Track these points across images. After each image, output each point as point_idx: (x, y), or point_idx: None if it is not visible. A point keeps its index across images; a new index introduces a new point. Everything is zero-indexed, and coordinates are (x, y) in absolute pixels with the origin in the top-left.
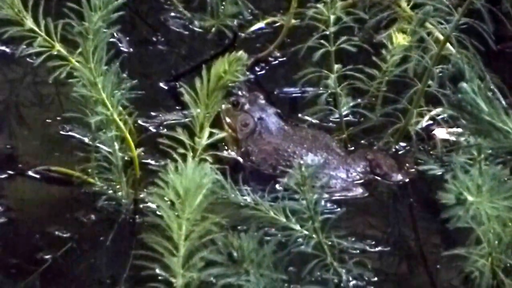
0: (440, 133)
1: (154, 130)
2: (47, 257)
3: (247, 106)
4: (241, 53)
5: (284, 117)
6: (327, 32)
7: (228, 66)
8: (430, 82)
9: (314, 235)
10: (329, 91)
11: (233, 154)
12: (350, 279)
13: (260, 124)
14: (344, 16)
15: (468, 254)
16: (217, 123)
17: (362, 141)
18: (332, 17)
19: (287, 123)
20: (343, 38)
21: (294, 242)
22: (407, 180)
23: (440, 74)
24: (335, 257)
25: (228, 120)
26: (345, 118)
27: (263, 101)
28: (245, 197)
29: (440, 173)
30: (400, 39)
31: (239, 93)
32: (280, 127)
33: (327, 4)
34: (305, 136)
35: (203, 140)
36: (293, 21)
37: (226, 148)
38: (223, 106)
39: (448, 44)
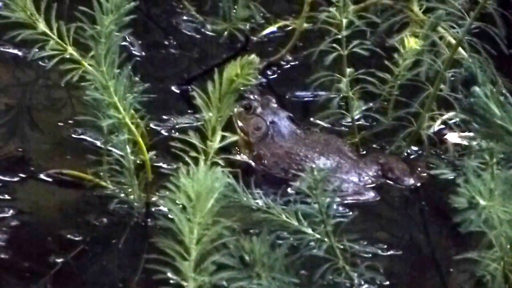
0: (452, 137)
1: (166, 134)
2: (59, 260)
3: (259, 110)
4: (253, 56)
5: (296, 120)
6: (339, 36)
7: (240, 70)
8: (442, 86)
9: (326, 239)
10: (341, 95)
11: (245, 157)
12: (362, 283)
13: (272, 128)
14: (356, 20)
15: (480, 258)
16: (229, 126)
17: (374, 145)
18: (345, 21)
19: (299, 126)
20: (355, 42)
21: (306, 245)
22: (419, 184)
23: (453, 78)
24: (347, 261)
25: (240, 123)
26: (357, 122)
27: (275, 105)
28: (257, 201)
29: (452, 177)
30: (412, 43)
31: (251, 96)
32: (292, 131)
33: (339, 8)
34: (317, 140)
35: (215, 143)
36: (305, 25)
37: (238, 151)
38: (235, 110)
39: (460, 48)
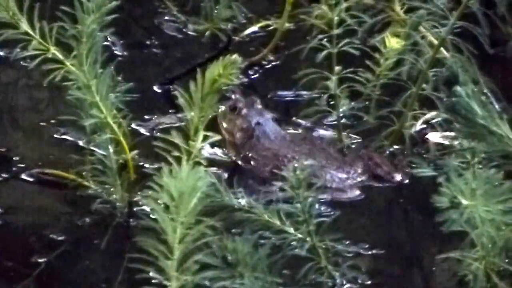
0: (434, 136)
1: (148, 133)
2: (41, 260)
3: (244, 111)
4: (235, 56)
5: (279, 121)
6: (327, 35)
7: (223, 70)
8: (424, 85)
9: (308, 238)
10: (329, 93)
11: (232, 157)
12: (344, 282)
13: (257, 129)
14: (348, 18)
15: (462, 257)
16: (214, 126)
17: (357, 143)
18: (336, 19)
19: (282, 127)
20: (344, 41)
21: (289, 245)
22: (406, 180)
23: (434, 78)
24: (329, 260)
25: (225, 124)
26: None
27: (260, 106)
28: (239, 200)
29: (433, 176)
30: (393, 43)
31: (236, 96)
32: (278, 132)
33: (331, 6)
34: (303, 141)
35: (198, 143)
36: (286, 24)
37: (226, 151)
38: (220, 110)
39: (442, 48)
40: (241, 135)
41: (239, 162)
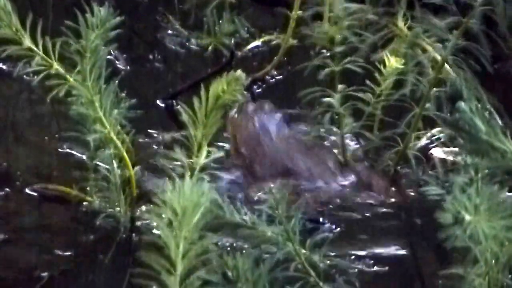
0: (438, 153)
1: (151, 149)
2: (44, 274)
3: (250, 110)
4: (239, 72)
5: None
6: (328, 53)
7: (227, 86)
8: (427, 105)
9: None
10: (332, 111)
11: (234, 170)
12: None
13: (262, 134)
14: (351, 35)
15: (465, 274)
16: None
17: (362, 162)
18: (338, 37)
19: (293, 129)
20: (347, 59)
21: (287, 261)
22: (404, 203)
23: (437, 95)
24: (321, 277)
25: (231, 129)
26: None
27: (270, 106)
28: (242, 217)
29: (440, 193)
30: (393, 62)
31: (246, 100)
32: (283, 136)
33: (332, 24)
34: (305, 148)
35: (201, 159)
36: (290, 40)
37: (230, 159)
38: (230, 114)
39: (445, 65)
40: (246, 144)
41: (242, 170)
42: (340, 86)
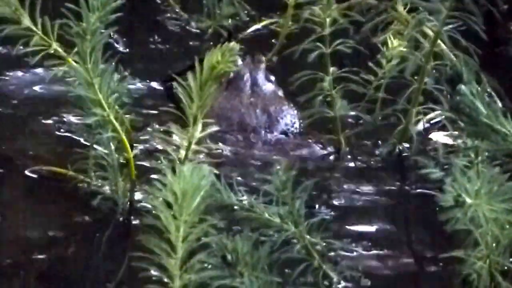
0: (438, 136)
1: (150, 130)
2: (41, 257)
3: (239, 63)
4: (233, 43)
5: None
6: (324, 34)
7: (221, 57)
8: (426, 79)
9: (300, 238)
10: (324, 93)
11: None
12: (342, 282)
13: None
14: (340, 18)
15: (466, 256)
16: None
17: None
18: (328, 19)
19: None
20: (338, 41)
21: (288, 244)
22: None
23: (436, 74)
24: (324, 260)
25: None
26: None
27: (263, 65)
28: (239, 199)
29: (440, 176)
30: (396, 44)
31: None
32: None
33: (323, 6)
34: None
35: (197, 132)
36: (290, 23)
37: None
38: None
39: (441, 42)
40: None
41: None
42: (332, 69)
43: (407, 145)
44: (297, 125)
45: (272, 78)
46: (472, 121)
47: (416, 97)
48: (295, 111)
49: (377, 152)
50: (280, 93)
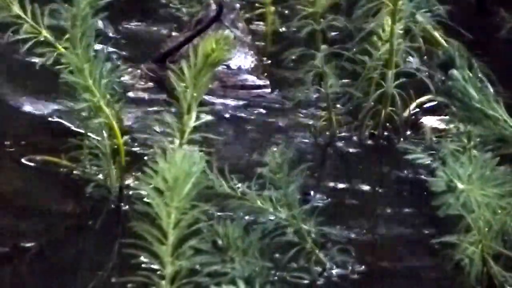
0: (429, 120)
1: (141, 115)
2: (32, 244)
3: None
4: (228, 31)
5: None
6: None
7: (216, 44)
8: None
9: (294, 222)
10: (315, 71)
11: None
12: (334, 267)
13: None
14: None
15: (458, 242)
16: None
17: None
18: None
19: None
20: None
21: (279, 229)
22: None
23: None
24: (317, 245)
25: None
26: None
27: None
28: (231, 187)
29: (428, 162)
30: (392, 28)
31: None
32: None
33: None
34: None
35: (191, 121)
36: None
37: None
38: None
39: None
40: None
41: None
42: (323, 46)
43: (396, 130)
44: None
45: (241, 25)
46: (464, 106)
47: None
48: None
49: (366, 134)
50: (247, 40)
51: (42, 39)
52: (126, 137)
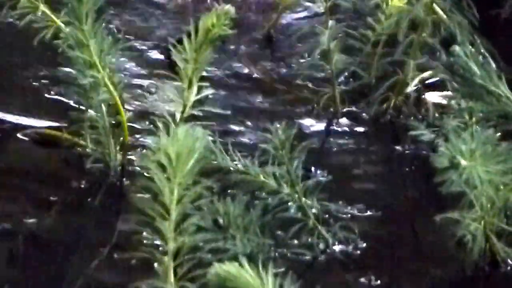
0: (432, 96)
1: (144, 93)
2: (33, 220)
3: None
4: (228, 6)
5: None
6: None
7: (216, 20)
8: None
9: (297, 199)
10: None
11: None
12: (337, 243)
13: None
14: None
15: (461, 218)
16: None
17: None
18: None
19: None
20: None
21: (281, 205)
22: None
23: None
24: (319, 221)
25: None
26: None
27: None
28: (234, 162)
29: (431, 138)
30: (396, 0)
31: None
32: None
33: None
34: None
35: (192, 96)
36: None
37: None
38: None
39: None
40: None
41: None
42: (330, 22)
43: (402, 105)
44: None
45: None
46: (466, 82)
47: (415, 49)
48: None
49: (371, 111)
50: None
51: (39, 14)
52: (129, 114)
